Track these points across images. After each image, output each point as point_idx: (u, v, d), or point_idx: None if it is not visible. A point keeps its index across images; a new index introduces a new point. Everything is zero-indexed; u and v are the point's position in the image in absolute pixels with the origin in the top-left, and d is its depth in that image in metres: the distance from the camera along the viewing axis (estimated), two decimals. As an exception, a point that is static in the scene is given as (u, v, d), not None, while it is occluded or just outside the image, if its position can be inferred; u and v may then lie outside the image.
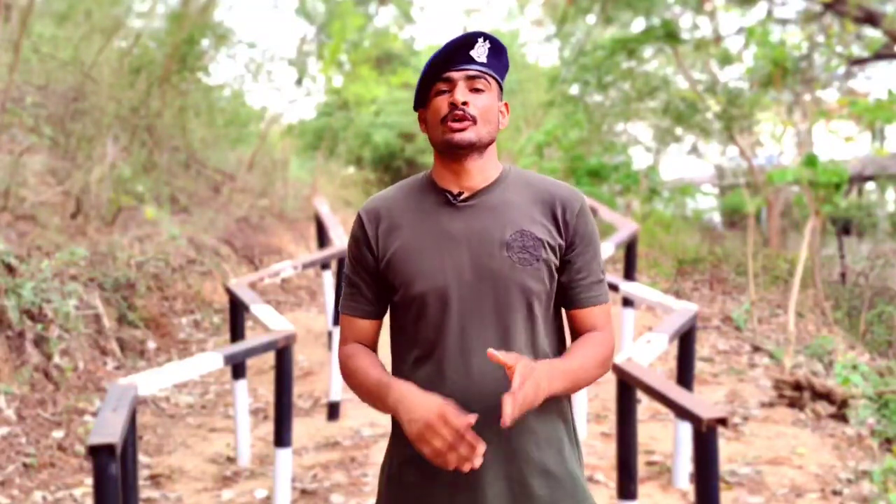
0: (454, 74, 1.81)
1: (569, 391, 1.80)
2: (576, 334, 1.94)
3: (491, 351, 1.66)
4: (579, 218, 1.87)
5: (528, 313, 1.83)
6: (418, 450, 1.69)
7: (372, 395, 1.82)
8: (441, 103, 1.82)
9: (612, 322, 1.95)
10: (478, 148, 1.83)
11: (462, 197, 1.86)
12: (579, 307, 1.90)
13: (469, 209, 1.85)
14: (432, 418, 1.65)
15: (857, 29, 12.10)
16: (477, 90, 1.82)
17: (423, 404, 1.68)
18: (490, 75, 1.84)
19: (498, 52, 1.85)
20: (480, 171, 1.86)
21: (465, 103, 1.80)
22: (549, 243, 1.84)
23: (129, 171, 9.18)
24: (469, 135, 1.81)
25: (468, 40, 1.80)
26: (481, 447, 1.65)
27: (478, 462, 1.66)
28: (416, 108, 1.90)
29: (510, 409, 1.59)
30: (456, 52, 1.81)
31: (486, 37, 1.82)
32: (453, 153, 1.83)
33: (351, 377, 1.89)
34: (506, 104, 1.91)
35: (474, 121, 1.81)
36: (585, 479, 1.93)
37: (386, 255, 1.86)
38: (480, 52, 1.82)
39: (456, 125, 1.80)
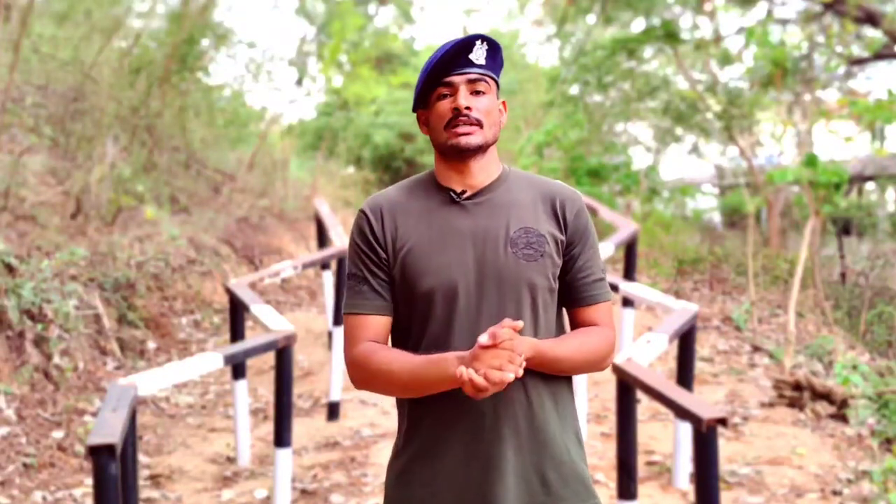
0: (455, 78, 1.84)
1: (544, 366, 1.81)
2: None
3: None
4: (579, 216, 1.90)
5: (533, 309, 1.85)
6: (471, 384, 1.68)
7: (420, 378, 1.78)
8: (444, 108, 1.85)
9: (614, 320, 1.96)
10: (483, 149, 1.87)
11: (466, 195, 1.88)
12: (581, 305, 1.92)
13: (473, 207, 1.87)
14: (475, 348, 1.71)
15: (857, 29, 12.09)
16: (478, 92, 1.85)
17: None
18: (489, 76, 1.87)
19: (494, 51, 1.87)
20: (483, 170, 1.89)
21: (468, 108, 1.83)
22: (552, 239, 1.87)
23: (129, 171, 9.17)
24: (476, 139, 1.84)
25: (467, 44, 1.83)
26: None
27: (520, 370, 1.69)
28: (414, 109, 1.93)
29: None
30: (455, 56, 1.83)
31: (484, 38, 1.84)
32: (459, 155, 1.86)
33: (381, 372, 1.82)
34: (503, 102, 1.94)
35: (480, 125, 1.84)
36: (591, 481, 1.94)
37: (395, 252, 1.87)
38: (479, 54, 1.85)
39: (462, 130, 1.83)
